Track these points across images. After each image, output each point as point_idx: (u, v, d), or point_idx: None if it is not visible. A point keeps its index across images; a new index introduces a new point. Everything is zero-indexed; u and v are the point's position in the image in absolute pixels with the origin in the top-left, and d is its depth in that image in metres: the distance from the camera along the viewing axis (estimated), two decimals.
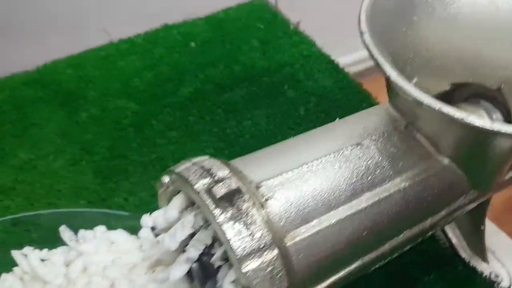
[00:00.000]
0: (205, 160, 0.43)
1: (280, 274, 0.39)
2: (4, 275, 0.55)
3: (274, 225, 0.40)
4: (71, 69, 0.83)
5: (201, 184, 0.40)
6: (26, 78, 0.82)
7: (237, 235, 0.38)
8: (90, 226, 0.57)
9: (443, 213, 0.48)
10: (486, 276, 0.59)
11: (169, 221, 0.43)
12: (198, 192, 0.40)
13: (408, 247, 0.48)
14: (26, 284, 0.54)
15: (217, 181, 0.40)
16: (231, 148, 0.72)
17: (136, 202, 0.66)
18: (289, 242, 0.40)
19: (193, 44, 0.89)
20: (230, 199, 0.39)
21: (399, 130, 0.47)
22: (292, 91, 0.81)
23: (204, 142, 0.74)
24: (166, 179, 0.44)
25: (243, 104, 0.79)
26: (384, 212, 0.44)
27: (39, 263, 0.54)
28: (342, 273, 0.44)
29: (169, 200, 0.46)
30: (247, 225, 0.39)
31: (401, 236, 0.46)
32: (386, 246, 0.46)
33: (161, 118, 0.77)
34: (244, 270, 0.38)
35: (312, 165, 0.43)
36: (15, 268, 0.56)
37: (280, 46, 0.89)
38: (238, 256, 0.38)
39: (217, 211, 0.39)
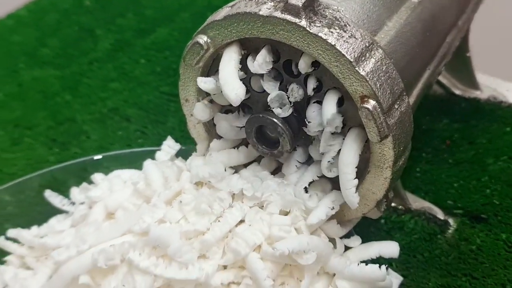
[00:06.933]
0: None
1: (394, 72, 0.33)
2: (1, 267, 0.42)
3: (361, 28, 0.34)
4: None
5: (265, 8, 0.33)
6: None
7: (340, 39, 0.32)
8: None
9: (465, 15, 0.47)
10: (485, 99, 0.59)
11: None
12: (267, 16, 0.33)
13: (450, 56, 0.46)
14: (36, 265, 0.41)
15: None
16: None
17: None
18: (380, 44, 0.35)
19: (88, 2, 0.78)
20: (312, 7, 0.32)
21: None
22: None
23: (154, 82, 0.64)
24: (202, 38, 0.36)
25: (174, 41, 0.71)
26: (434, 6, 0.41)
27: (46, 236, 0.42)
28: (421, 83, 0.40)
29: (202, 74, 0.38)
30: (342, 28, 0.32)
31: (450, 35, 0.44)
32: (444, 46, 0.43)
33: (92, 74, 0.66)
34: (363, 73, 0.31)
35: None
36: (8, 258, 0.43)
37: None
38: (352, 59, 0.31)
39: (304, 23, 0.32)
